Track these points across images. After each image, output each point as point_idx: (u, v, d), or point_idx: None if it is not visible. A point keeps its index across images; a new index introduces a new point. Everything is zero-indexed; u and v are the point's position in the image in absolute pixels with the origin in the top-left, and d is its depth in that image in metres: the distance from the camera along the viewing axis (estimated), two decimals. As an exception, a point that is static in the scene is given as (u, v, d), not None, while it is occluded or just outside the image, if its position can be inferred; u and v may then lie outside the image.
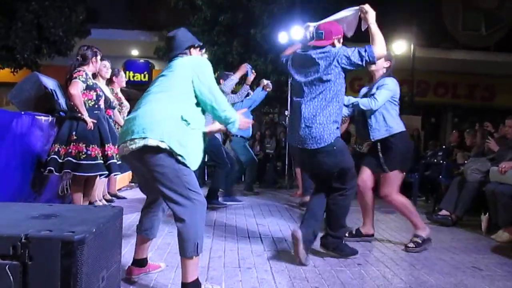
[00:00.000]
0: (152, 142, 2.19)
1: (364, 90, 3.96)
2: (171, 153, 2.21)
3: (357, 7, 3.34)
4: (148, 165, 2.25)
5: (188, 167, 2.27)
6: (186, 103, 2.34)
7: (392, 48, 11.77)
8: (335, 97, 3.18)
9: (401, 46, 12.06)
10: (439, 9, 13.85)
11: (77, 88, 3.91)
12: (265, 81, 6.15)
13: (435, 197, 6.49)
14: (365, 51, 3.12)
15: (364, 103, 3.64)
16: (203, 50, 2.71)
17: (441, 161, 6.74)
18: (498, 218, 4.35)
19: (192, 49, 2.57)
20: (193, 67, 2.38)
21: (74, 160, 3.90)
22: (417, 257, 3.48)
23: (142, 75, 14.36)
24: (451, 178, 5.51)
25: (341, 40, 3.38)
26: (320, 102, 3.19)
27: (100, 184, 5.19)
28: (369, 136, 3.74)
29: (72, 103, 4.03)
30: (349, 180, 3.30)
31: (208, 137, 2.56)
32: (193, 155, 2.31)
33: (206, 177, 8.32)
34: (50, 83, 4.62)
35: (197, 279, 2.32)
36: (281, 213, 5.34)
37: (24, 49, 9.82)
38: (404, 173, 3.83)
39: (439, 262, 3.39)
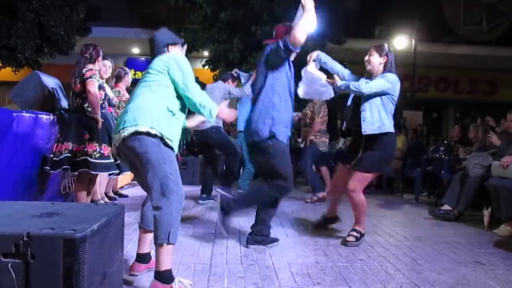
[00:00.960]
0: (142, 128, 2.33)
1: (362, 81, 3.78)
2: (158, 140, 2.36)
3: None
4: (136, 151, 2.36)
5: (173, 151, 2.44)
6: (170, 95, 2.53)
7: (393, 43, 11.74)
8: (274, 91, 3.28)
9: (402, 41, 12.02)
10: (440, 4, 13.78)
11: (95, 87, 3.95)
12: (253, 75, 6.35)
13: (437, 192, 6.49)
14: (283, 40, 3.21)
15: (355, 85, 3.54)
16: (185, 46, 2.88)
17: (443, 156, 6.74)
18: (500, 212, 4.35)
19: (170, 47, 2.74)
20: (168, 61, 2.56)
21: (90, 159, 3.94)
22: (419, 253, 3.48)
23: (144, 73, 14.38)
24: (453, 173, 5.51)
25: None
26: (263, 96, 3.31)
27: (103, 182, 5.20)
28: (360, 129, 3.59)
29: (79, 101, 4.04)
30: (280, 183, 3.31)
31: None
32: (176, 143, 2.50)
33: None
34: (51, 81, 4.63)
35: (170, 270, 2.36)
36: (282, 209, 5.34)
37: (25, 48, 9.82)
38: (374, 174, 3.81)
39: (441, 257, 3.39)
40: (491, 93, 14.91)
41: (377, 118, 3.54)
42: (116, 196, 5.71)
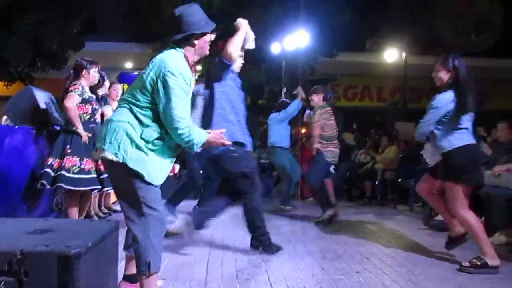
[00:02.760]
0: (108, 155, 2.15)
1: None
2: (126, 166, 2.15)
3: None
4: (110, 174, 2.31)
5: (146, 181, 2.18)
6: (150, 118, 2.23)
7: (384, 56, 11.87)
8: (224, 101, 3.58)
9: (393, 54, 12.16)
10: (430, 17, 13.99)
11: (72, 101, 3.93)
12: (299, 91, 6.37)
13: (431, 202, 6.49)
14: (220, 56, 3.49)
15: (417, 132, 3.72)
16: (211, 36, 2.51)
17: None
18: (494, 221, 4.36)
19: (195, 40, 2.39)
20: (159, 75, 2.22)
21: (66, 174, 3.88)
22: (415, 263, 3.48)
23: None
24: (447, 183, 5.51)
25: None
26: (217, 108, 3.57)
27: (94, 198, 5.15)
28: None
29: (67, 116, 4.04)
30: (249, 184, 3.61)
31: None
32: (153, 169, 2.21)
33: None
34: (44, 96, 4.63)
35: None
36: (275, 222, 5.31)
37: (18, 62, 9.80)
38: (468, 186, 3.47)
39: (437, 266, 3.39)
40: (481, 103, 15.07)
41: (438, 142, 3.52)
42: (110, 212, 5.66)
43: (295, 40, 8.55)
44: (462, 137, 3.42)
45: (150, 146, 2.20)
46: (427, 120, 3.54)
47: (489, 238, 4.29)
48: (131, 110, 2.22)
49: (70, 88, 3.98)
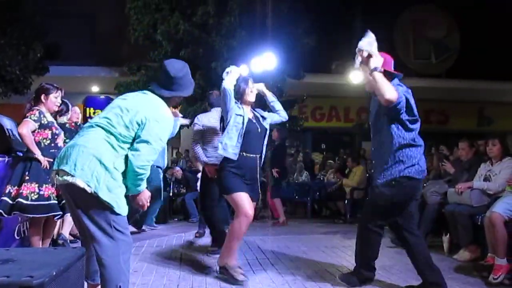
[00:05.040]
0: (79, 183, 2.15)
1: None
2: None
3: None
4: (75, 199, 2.23)
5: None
6: (124, 151, 2.29)
7: (349, 77, 12.20)
8: None
9: (358, 76, 12.49)
10: (392, 40, 14.53)
11: (26, 128, 3.83)
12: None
13: (399, 220, 6.62)
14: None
15: None
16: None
17: (402, 185, 6.90)
18: (459, 238, 4.48)
19: (176, 98, 2.61)
20: (149, 118, 2.33)
21: (24, 202, 3.75)
22: (384, 281, 3.52)
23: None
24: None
25: None
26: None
27: (69, 222, 4.94)
28: None
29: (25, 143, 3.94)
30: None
31: None
32: (121, 200, 2.26)
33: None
34: (6, 122, 4.50)
35: None
36: (247, 244, 5.28)
37: (-22, 89, 9.53)
38: None
39: (406, 284, 3.43)
40: (444, 122, 15.65)
41: None
42: (76, 239, 5.48)
43: (263, 62, 8.67)
44: None
45: (120, 176, 2.24)
46: None
47: (454, 255, 4.42)
48: (107, 139, 2.25)
49: (28, 114, 3.90)
